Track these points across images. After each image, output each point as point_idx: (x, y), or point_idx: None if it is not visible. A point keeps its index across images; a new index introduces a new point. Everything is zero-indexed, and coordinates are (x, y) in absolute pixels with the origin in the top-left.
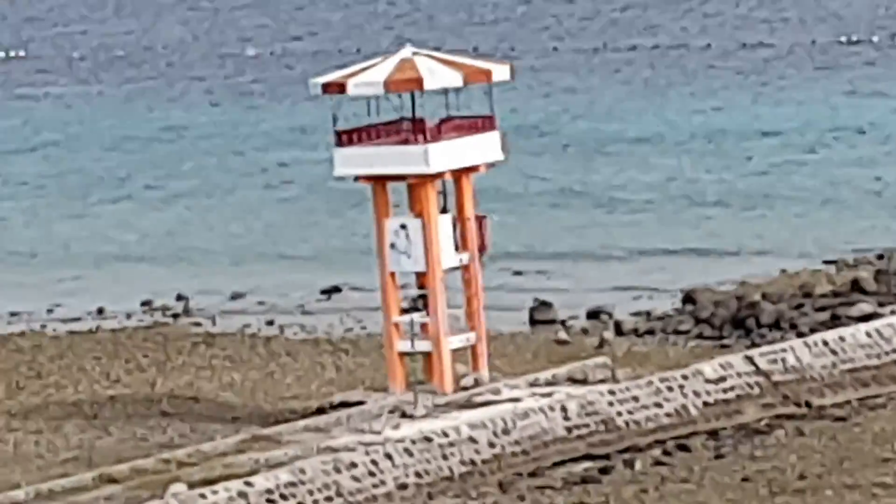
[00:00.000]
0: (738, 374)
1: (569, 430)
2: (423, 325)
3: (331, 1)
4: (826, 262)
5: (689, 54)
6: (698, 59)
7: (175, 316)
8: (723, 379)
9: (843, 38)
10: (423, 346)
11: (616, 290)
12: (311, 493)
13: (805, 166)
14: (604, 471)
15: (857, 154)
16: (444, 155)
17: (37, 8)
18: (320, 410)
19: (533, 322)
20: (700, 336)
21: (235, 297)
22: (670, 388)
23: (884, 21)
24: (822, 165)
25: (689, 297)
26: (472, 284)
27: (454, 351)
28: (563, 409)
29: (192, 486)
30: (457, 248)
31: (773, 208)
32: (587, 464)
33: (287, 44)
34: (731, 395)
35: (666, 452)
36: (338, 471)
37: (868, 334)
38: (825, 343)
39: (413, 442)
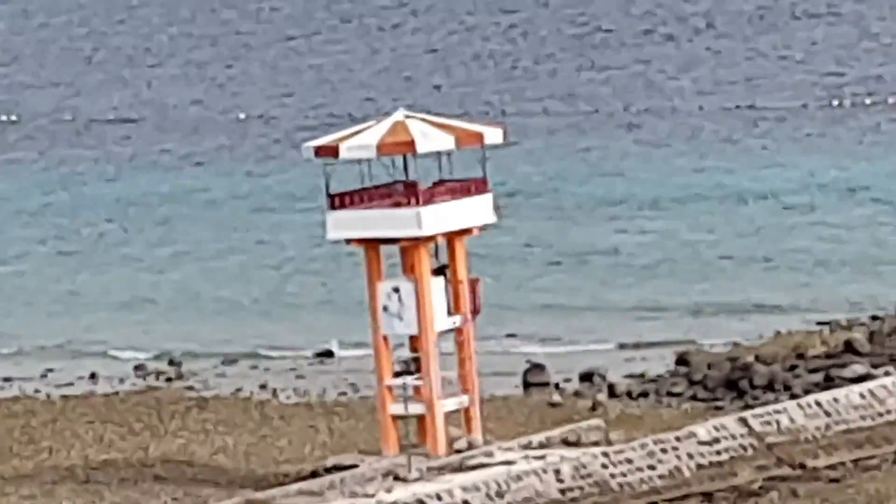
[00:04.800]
0: (732, 436)
1: (562, 492)
2: (417, 388)
3: (322, 65)
4: (819, 324)
5: (687, 114)
6: (693, 120)
7: (168, 380)
8: (716, 441)
9: (836, 102)
10: (416, 409)
11: (609, 351)
12: None
13: (800, 227)
14: None
15: (851, 216)
16: (437, 218)
17: (37, 73)
18: (314, 474)
19: (526, 385)
20: (693, 398)
21: (228, 360)
22: (664, 451)
23: (879, 83)
24: (817, 227)
25: (682, 359)
26: (465, 347)
27: (447, 414)
28: (557, 471)
29: None
30: (449, 311)
31: (768, 269)
32: None
33: (277, 107)
34: (724, 456)
35: None
36: None
37: (861, 395)
38: (819, 404)
39: None
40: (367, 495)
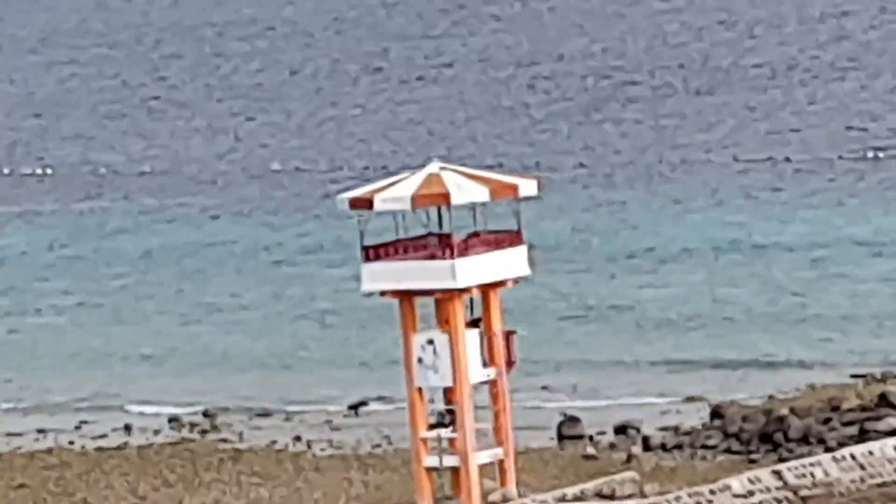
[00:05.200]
0: (767, 489)
1: None
2: (451, 441)
3: (347, 117)
4: (854, 377)
5: (713, 167)
6: (723, 172)
7: (203, 432)
8: (751, 493)
9: (871, 153)
10: (450, 461)
11: (644, 404)
12: None
13: (826, 281)
14: None
15: (878, 270)
16: (472, 270)
17: (63, 125)
18: None
19: (560, 437)
20: (728, 450)
21: (263, 413)
22: (699, 503)
23: None
24: (844, 280)
25: (716, 412)
26: (500, 400)
27: (482, 466)
28: None
29: None
30: (484, 364)
31: (799, 322)
32: None
33: (301, 160)
34: None
35: None
36: None
37: None
38: (853, 457)
39: None
40: None
